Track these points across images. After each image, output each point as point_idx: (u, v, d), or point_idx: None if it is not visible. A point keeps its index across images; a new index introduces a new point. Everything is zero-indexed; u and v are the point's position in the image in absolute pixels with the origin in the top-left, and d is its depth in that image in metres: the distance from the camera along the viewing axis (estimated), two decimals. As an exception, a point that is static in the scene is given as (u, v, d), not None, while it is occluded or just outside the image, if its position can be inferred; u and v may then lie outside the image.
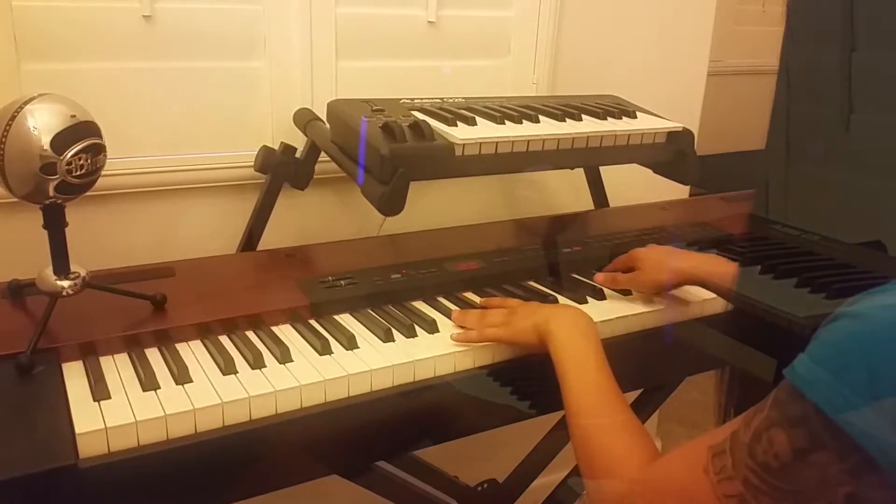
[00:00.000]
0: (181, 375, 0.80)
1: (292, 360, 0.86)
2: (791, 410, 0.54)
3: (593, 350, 0.83)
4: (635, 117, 1.21)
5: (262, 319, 0.94)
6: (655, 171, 1.24)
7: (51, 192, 0.78)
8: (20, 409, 0.74)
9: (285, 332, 0.93)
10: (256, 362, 0.84)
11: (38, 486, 0.66)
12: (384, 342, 0.91)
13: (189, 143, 1.20)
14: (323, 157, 1.19)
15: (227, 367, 0.83)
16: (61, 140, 0.77)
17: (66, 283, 0.85)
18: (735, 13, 2.41)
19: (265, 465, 0.79)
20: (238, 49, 1.20)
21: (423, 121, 1.03)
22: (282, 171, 1.19)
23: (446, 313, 0.99)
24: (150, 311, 0.92)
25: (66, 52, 1.09)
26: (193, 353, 0.87)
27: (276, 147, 1.21)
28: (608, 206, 1.47)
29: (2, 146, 0.75)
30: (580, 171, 1.46)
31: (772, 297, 1.00)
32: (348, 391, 0.83)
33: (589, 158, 1.20)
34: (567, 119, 1.14)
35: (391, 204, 0.97)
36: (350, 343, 0.89)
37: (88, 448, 0.70)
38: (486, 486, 1.19)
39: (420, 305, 1.02)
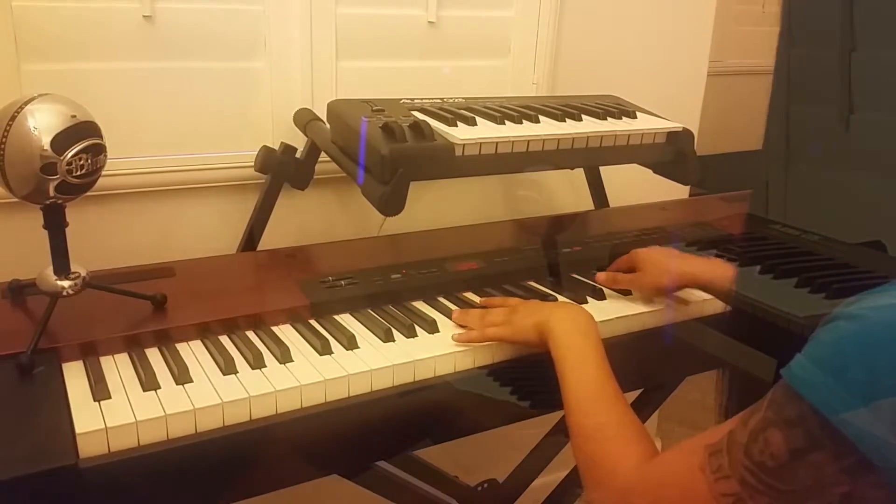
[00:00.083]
0: (181, 375, 0.81)
1: (292, 360, 0.86)
2: (788, 411, 0.54)
3: (593, 348, 0.83)
4: (635, 117, 1.21)
5: (262, 319, 0.94)
6: (655, 172, 1.24)
7: (51, 193, 0.78)
8: (20, 408, 0.74)
9: (285, 332, 0.93)
10: (257, 362, 0.84)
11: (39, 485, 0.66)
12: (384, 342, 0.91)
13: (189, 143, 1.20)
14: (323, 157, 1.19)
15: (228, 367, 0.83)
16: (62, 140, 0.77)
17: (66, 283, 0.85)
18: (735, 13, 2.41)
19: (265, 465, 0.80)
20: (238, 49, 1.20)
21: (424, 121, 1.03)
22: (282, 171, 1.19)
23: (446, 313, 0.99)
24: (150, 311, 0.92)
25: (66, 52, 1.09)
26: (194, 353, 0.87)
27: (277, 147, 1.21)
28: (608, 206, 1.47)
29: (2, 146, 0.75)
30: (580, 171, 1.46)
31: (771, 297, 1.00)
32: (348, 391, 0.83)
33: (589, 158, 1.20)
34: (567, 119, 1.14)
35: (391, 204, 0.97)
36: (350, 343, 0.89)
37: (89, 448, 0.71)
38: (486, 486, 1.19)
39: (420, 305, 1.03)
